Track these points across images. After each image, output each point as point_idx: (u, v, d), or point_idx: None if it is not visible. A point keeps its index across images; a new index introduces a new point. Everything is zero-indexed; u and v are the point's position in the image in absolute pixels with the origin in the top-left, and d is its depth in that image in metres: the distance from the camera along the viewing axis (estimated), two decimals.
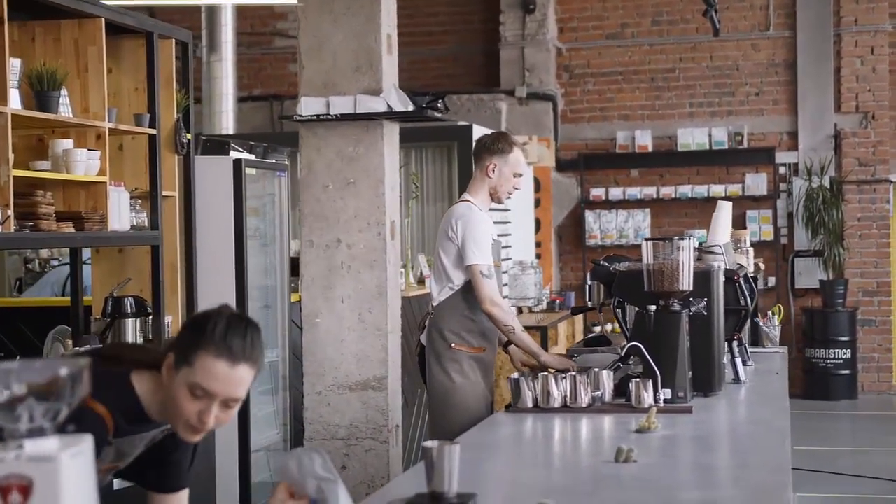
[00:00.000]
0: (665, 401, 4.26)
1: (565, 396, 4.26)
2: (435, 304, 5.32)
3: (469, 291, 5.21)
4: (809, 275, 12.57)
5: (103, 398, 2.59)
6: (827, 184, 12.35)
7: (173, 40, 5.86)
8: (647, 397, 4.20)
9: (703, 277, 4.56)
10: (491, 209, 9.21)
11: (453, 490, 2.76)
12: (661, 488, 3.04)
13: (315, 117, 5.95)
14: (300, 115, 6.00)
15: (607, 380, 4.35)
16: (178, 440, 2.78)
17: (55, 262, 8.67)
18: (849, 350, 12.24)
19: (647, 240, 4.48)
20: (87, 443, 1.79)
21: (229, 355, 2.55)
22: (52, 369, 1.76)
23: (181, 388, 2.57)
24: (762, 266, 9.26)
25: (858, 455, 9.72)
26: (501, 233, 10.19)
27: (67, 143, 5.00)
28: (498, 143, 5.34)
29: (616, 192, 12.89)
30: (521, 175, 5.38)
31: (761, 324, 6.44)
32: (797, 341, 12.61)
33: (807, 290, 12.67)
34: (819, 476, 8.69)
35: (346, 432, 5.69)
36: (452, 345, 5.22)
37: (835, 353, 12.22)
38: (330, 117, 5.92)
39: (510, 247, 10.53)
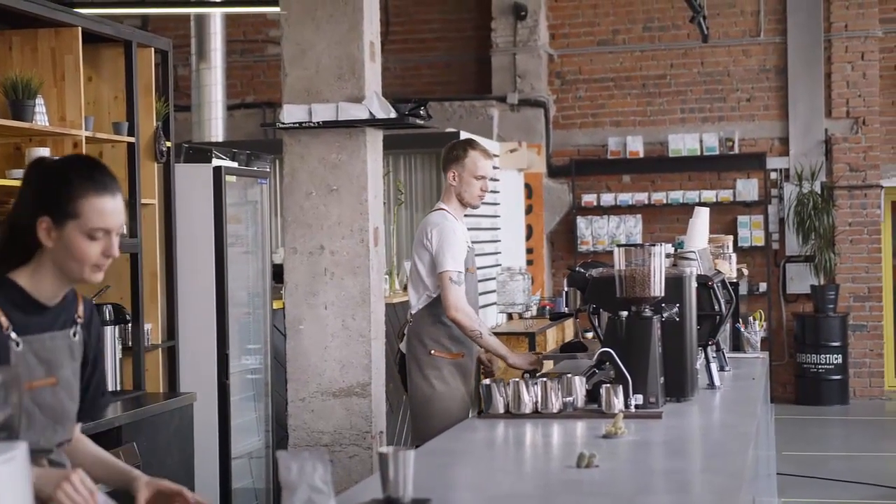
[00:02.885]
0: (636, 406, 4.27)
1: (536, 402, 4.28)
2: (413, 311, 5.39)
3: None
4: (801, 280, 12.58)
5: None
6: (818, 189, 12.37)
7: (152, 49, 5.88)
8: (618, 403, 4.21)
9: (676, 283, 4.57)
10: (477, 215, 9.26)
11: (408, 496, 2.78)
12: (618, 493, 3.06)
13: (298, 125, 5.98)
14: (282, 123, 6.03)
15: (580, 385, 4.36)
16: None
17: None
18: (840, 355, 12.25)
19: (618, 246, 4.49)
20: (20, 450, 1.81)
21: (107, 191, 2.70)
22: None
23: (77, 239, 2.67)
24: (745, 271, 9.27)
25: (849, 460, 9.73)
26: (491, 239, 10.24)
27: (44, 152, 5.02)
28: (453, 151, 5.44)
29: (608, 198, 12.91)
30: (483, 177, 5.41)
31: (742, 329, 6.44)
32: (788, 346, 12.62)
33: (798, 296, 12.67)
34: (808, 481, 8.70)
35: (330, 439, 5.71)
36: (432, 351, 5.29)
37: (826, 358, 12.23)
38: (312, 125, 5.94)
39: (500, 253, 10.55)
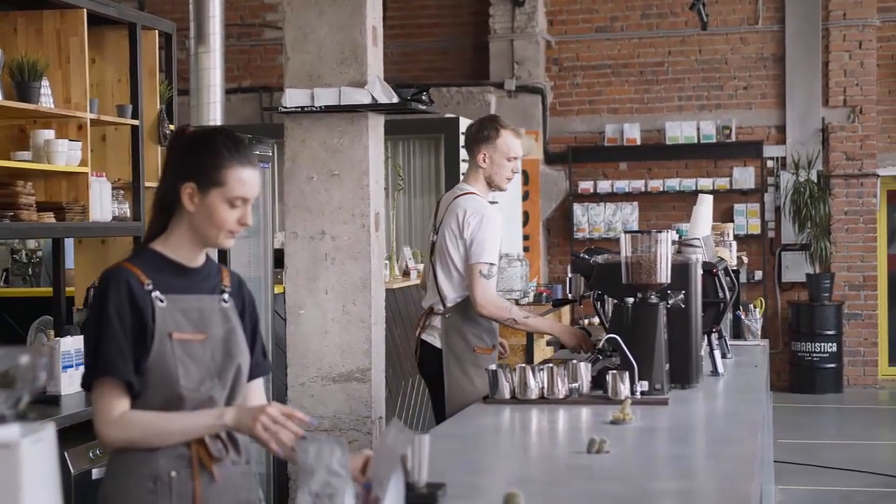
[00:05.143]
0: (642, 393, 4.28)
1: (542, 388, 4.28)
2: (449, 303, 5.12)
3: None
4: (796, 268, 12.61)
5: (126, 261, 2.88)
6: (814, 178, 12.38)
7: (156, 31, 5.86)
8: (624, 389, 4.21)
9: (682, 270, 4.57)
10: None
11: (423, 480, 2.79)
12: (631, 478, 3.06)
13: (300, 109, 5.96)
14: (284, 107, 6.01)
15: (585, 372, 4.37)
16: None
17: (40, 254, 8.67)
18: (835, 344, 12.29)
19: (625, 232, 4.48)
20: (48, 430, 1.81)
21: (249, 163, 2.87)
22: (12, 357, 1.78)
23: (218, 206, 2.83)
24: (745, 259, 9.29)
25: (843, 448, 9.76)
26: None
27: (49, 134, 5.00)
28: (483, 131, 5.17)
29: (604, 186, 12.91)
30: (515, 158, 5.16)
31: (743, 317, 6.46)
32: (783, 335, 12.65)
33: (793, 284, 12.70)
34: (804, 469, 8.73)
35: (330, 424, 5.71)
36: (475, 348, 5.09)
37: (821, 346, 12.26)
38: (314, 109, 5.93)
39: None
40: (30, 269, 8.61)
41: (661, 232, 4.45)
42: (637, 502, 2.84)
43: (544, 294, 11.01)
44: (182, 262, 2.89)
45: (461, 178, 9.76)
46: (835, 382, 12.32)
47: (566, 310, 11.26)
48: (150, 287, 2.81)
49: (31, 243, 8.57)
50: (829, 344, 12.26)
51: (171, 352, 2.80)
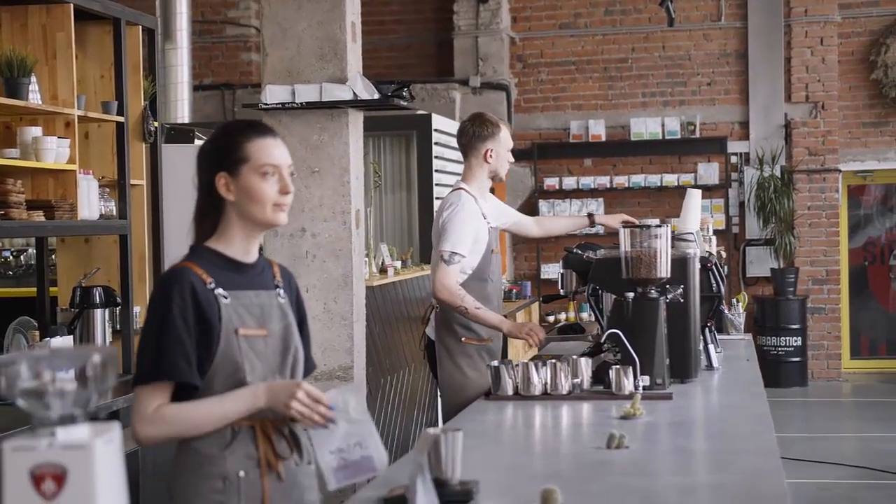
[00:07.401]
0: (644, 387, 4.28)
1: (545, 384, 4.27)
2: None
3: (473, 282, 5.11)
4: (760, 263, 12.70)
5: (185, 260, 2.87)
6: (778, 173, 12.48)
7: (140, 27, 5.78)
8: (628, 384, 4.21)
9: (680, 264, 4.58)
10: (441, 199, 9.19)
11: (457, 476, 2.76)
12: (657, 473, 3.06)
13: (279, 105, 5.91)
14: (265, 104, 5.95)
15: (586, 367, 4.36)
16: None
17: (7, 254, 8.57)
18: (799, 338, 12.39)
19: (624, 226, 4.48)
20: (116, 431, 1.77)
21: (266, 133, 2.89)
22: (84, 356, 1.74)
23: (253, 181, 2.82)
24: (724, 254, 9.34)
25: (811, 441, 9.84)
26: None
27: (36, 131, 4.92)
28: (486, 128, 5.26)
29: (570, 182, 12.93)
30: (511, 148, 5.36)
31: (726, 311, 6.48)
32: (748, 329, 12.71)
33: (758, 279, 12.79)
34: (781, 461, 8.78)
35: None
36: (463, 339, 5.14)
37: (785, 340, 12.36)
38: (294, 105, 5.88)
39: None
40: None
41: (660, 226, 4.44)
42: (671, 496, 2.83)
43: (513, 291, 11.02)
44: (237, 258, 2.87)
45: (434, 174, 9.83)
46: (800, 376, 12.43)
47: (534, 306, 11.28)
48: (213, 285, 2.80)
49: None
50: (794, 338, 12.36)
51: (238, 348, 2.79)
